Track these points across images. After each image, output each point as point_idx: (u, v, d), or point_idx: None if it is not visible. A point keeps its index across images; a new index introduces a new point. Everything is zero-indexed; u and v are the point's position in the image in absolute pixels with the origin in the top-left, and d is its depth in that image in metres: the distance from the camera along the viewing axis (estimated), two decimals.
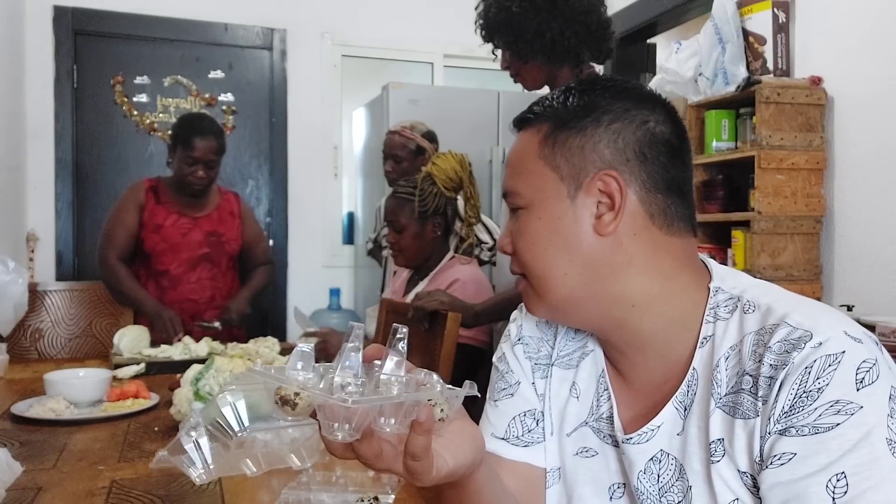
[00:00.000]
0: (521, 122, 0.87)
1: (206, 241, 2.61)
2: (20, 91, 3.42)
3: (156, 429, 1.47)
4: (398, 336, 0.61)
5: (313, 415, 0.58)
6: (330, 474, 1.05)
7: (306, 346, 0.61)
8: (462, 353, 1.89)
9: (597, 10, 1.77)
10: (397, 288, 2.39)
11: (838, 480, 0.62)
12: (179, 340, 2.25)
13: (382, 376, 0.59)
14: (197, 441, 0.60)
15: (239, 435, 0.60)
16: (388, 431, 0.58)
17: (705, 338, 0.76)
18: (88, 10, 3.60)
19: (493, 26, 1.78)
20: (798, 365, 0.66)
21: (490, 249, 3.02)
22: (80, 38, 3.62)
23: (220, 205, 2.69)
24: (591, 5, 1.75)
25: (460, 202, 2.31)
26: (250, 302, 2.61)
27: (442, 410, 0.59)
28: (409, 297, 2.19)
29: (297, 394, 0.57)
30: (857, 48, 2.46)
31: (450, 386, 0.61)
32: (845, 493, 0.61)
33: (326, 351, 2.05)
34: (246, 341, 2.21)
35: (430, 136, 2.89)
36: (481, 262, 2.84)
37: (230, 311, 2.52)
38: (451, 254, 2.26)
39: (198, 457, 0.59)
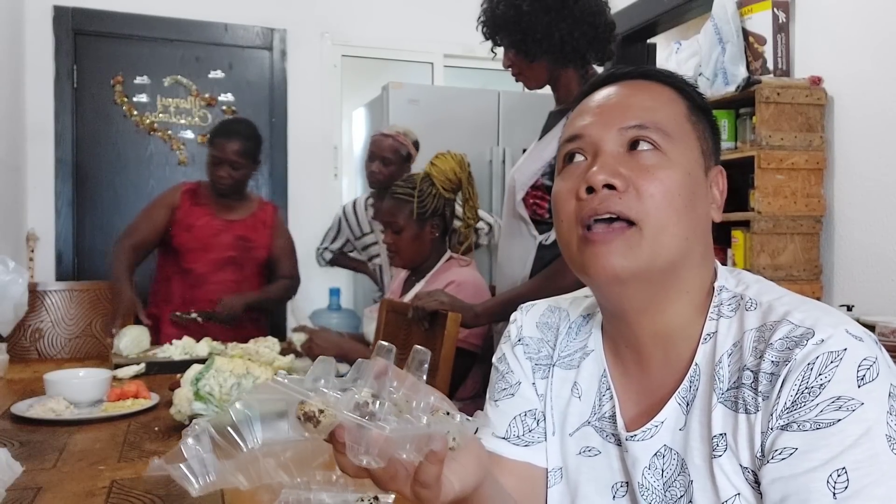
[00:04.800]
0: (652, 75, 0.82)
1: (235, 244, 2.67)
2: (20, 91, 3.41)
3: (156, 429, 1.47)
4: (419, 359, 0.60)
5: (331, 436, 0.57)
6: (330, 474, 1.05)
7: (327, 358, 0.59)
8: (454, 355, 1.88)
9: (603, 12, 1.78)
10: (394, 289, 2.38)
11: (839, 476, 0.62)
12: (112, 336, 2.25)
13: (413, 404, 0.57)
14: (198, 451, 0.58)
15: (250, 448, 0.58)
16: (405, 458, 0.57)
17: (708, 334, 0.77)
18: (88, 10, 3.59)
19: (501, 24, 1.77)
20: (800, 361, 0.66)
21: (487, 233, 3.03)
22: (80, 38, 3.62)
23: (255, 213, 2.76)
24: (598, 7, 1.76)
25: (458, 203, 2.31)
26: (249, 305, 2.60)
27: (454, 440, 0.59)
28: (407, 298, 2.19)
29: (321, 411, 0.55)
30: (857, 48, 2.46)
31: (467, 417, 0.60)
32: (846, 488, 0.62)
33: (311, 350, 2.06)
34: (246, 341, 2.21)
35: (417, 146, 2.95)
36: (477, 246, 2.84)
37: (221, 305, 2.52)
38: (448, 254, 2.26)
39: (198, 468, 0.57)
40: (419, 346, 0.61)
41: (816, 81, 2.53)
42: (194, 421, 0.59)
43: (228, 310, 2.51)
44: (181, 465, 0.57)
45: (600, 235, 0.73)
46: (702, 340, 0.77)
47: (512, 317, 0.95)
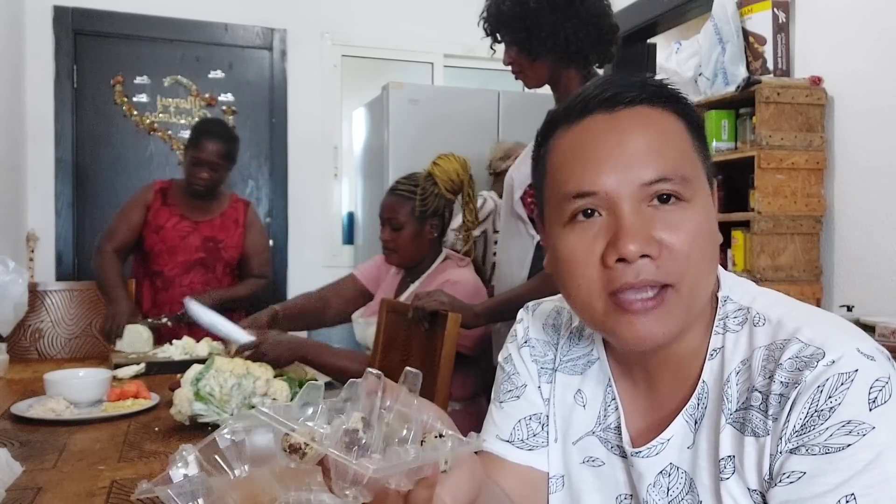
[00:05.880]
0: (645, 100, 0.73)
1: (203, 246, 2.64)
2: (20, 91, 3.41)
3: (156, 429, 1.47)
4: (410, 381, 0.59)
5: (319, 462, 0.55)
6: None
7: (317, 382, 0.58)
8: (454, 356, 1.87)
9: (608, 14, 1.78)
10: (388, 289, 2.36)
11: (848, 502, 0.61)
12: (113, 343, 2.29)
13: (402, 431, 0.56)
14: (185, 475, 0.58)
15: (237, 475, 0.58)
16: (394, 486, 0.55)
17: (715, 349, 0.74)
18: (88, 10, 3.60)
19: (505, 21, 1.76)
20: (810, 384, 0.65)
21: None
22: (80, 38, 3.62)
23: (226, 212, 2.71)
24: (603, 9, 1.77)
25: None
26: (217, 304, 2.47)
27: (446, 462, 0.57)
28: (402, 299, 2.18)
29: (307, 444, 0.54)
30: (857, 48, 2.46)
31: (460, 437, 0.59)
32: None
33: (263, 357, 1.80)
34: (221, 341, 2.20)
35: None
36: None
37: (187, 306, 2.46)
38: (444, 254, 2.25)
39: (186, 493, 0.57)
40: (410, 369, 0.60)
41: (816, 81, 2.53)
42: (181, 447, 0.58)
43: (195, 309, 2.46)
44: (168, 489, 0.56)
45: (637, 306, 0.69)
46: (708, 356, 0.74)
47: (518, 316, 0.93)
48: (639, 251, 0.67)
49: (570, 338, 0.87)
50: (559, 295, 0.92)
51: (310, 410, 0.57)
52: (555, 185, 0.75)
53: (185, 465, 0.57)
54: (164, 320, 2.42)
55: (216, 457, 0.57)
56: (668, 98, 0.74)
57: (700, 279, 0.70)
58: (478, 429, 0.82)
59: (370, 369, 0.59)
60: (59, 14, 3.55)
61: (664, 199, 0.70)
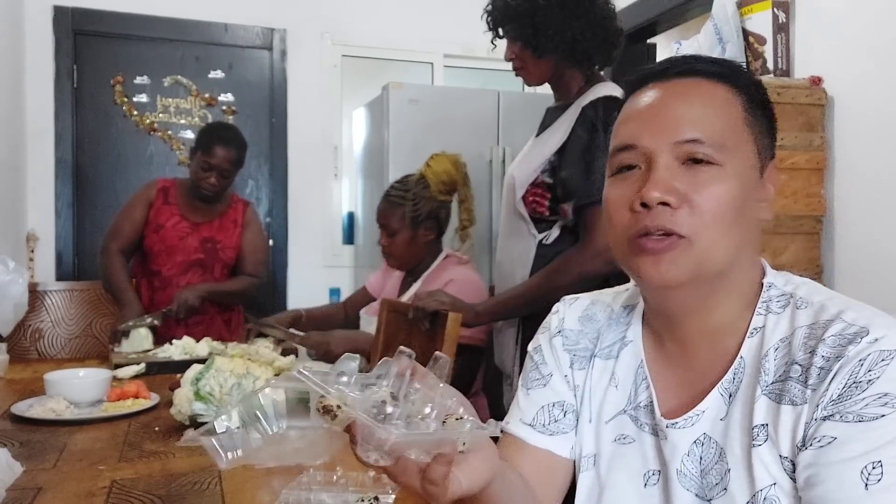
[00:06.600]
0: (704, 72, 0.80)
1: (202, 247, 2.64)
2: (20, 91, 3.41)
3: (156, 429, 1.47)
4: (440, 365, 0.64)
5: (348, 427, 0.59)
6: (330, 474, 1.05)
7: (354, 355, 0.63)
8: (460, 352, 1.88)
9: (614, 17, 1.80)
10: (389, 289, 2.37)
11: (874, 468, 0.64)
12: (116, 344, 2.28)
13: (426, 409, 0.61)
14: (229, 427, 0.62)
15: (274, 430, 0.63)
16: (414, 458, 0.60)
17: (755, 329, 0.78)
18: (88, 10, 3.59)
19: (513, 15, 1.77)
20: (852, 357, 0.68)
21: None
22: (80, 38, 3.62)
23: (226, 212, 2.71)
24: (610, 12, 1.79)
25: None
26: (204, 297, 2.51)
27: (464, 444, 0.61)
28: (404, 298, 2.18)
29: (339, 406, 0.58)
30: (857, 48, 2.46)
31: (480, 423, 0.63)
32: (879, 480, 0.63)
33: (327, 348, 2.05)
34: (247, 340, 2.21)
35: None
36: None
37: (175, 300, 2.44)
38: (444, 252, 2.25)
39: (227, 443, 0.61)
40: (440, 353, 0.65)
41: (816, 81, 2.53)
42: (229, 400, 0.64)
43: (182, 305, 2.43)
44: (213, 438, 0.60)
45: (651, 246, 0.75)
46: (748, 334, 0.78)
47: (554, 308, 0.98)
48: (659, 198, 0.74)
49: (610, 325, 0.92)
50: (592, 292, 0.99)
51: (344, 379, 0.61)
52: (610, 144, 0.84)
53: (229, 419, 0.61)
54: (149, 320, 2.35)
55: (257, 412, 0.62)
56: (723, 74, 0.80)
57: (718, 241, 0.74)
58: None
59: (402, 348, 0.64)
60: (59, 14, 3.55)
61: (698, 160, 0.75)
